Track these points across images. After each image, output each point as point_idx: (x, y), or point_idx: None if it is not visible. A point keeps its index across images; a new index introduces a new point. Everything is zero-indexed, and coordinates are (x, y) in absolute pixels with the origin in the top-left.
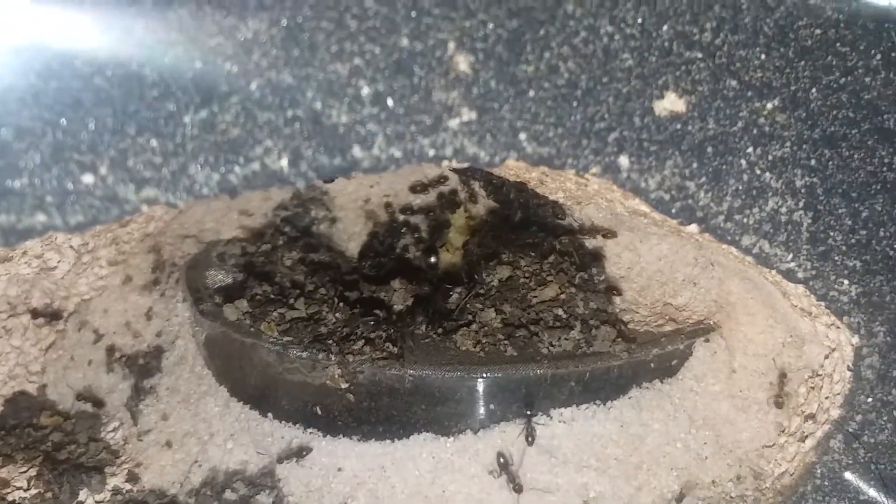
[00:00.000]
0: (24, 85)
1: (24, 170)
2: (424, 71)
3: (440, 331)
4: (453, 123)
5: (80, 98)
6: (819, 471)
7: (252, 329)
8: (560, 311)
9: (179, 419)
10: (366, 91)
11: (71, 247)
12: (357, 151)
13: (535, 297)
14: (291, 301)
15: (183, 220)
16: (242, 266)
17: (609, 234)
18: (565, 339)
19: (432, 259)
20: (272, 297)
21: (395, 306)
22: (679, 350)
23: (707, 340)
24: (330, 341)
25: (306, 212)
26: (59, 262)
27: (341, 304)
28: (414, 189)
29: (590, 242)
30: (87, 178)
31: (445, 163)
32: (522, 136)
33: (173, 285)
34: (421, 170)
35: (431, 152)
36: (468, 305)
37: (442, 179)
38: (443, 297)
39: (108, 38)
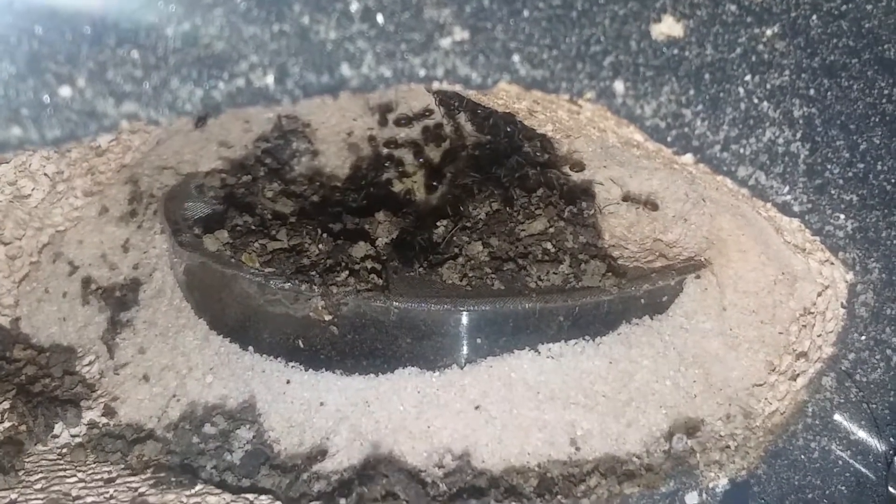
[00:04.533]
0: None
1: None
2: None
3: (425, 264)
4: (445, 42)
5: (57, 5)
6: (810, 409)
7: (232, 260)
8: (549, 245)
9: (157, 353)
10: (355, 6)
11: (45, 174)
12: (345, 69)
13: (524, 230)
14: (273, 232)
15: (161, 152)
16: (222, 198)
17: (577, 166)
18: (554, 273)
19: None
20: (253, 228)
21: (379, 239)
22: (669, 286)
23: (698, 277)
24: (313, 273)
25: (287, 144)
26: (33, 189)
27: (324, 236)
28: (398, 122)
29: (578, 176)
30: (65, 91)
31: (436, 84)
32: (516, 57)
33: (151, 217)
34: (406, 102)
35: (422, 72)
36: (454, 238)
37: (427, 113)
38: (428, 230)
39: None
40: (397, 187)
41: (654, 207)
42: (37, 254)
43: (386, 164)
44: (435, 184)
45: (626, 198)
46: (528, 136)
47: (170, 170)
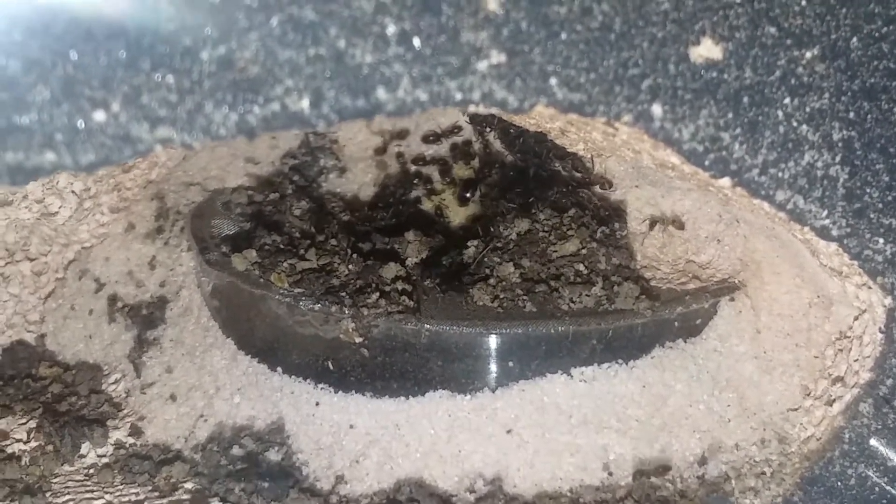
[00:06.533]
0: (33, 14)
1: (33, 105)
2: (453, 10)
3: (456, 285)
4: (482, 66)
5: (92, 30)
6: (847, 435)
7: (261, 280)
8: (581, 267)
9: (184, 372)
10: (392, 29)
11: (73, 192)
12: (381, 93)
13: (556, 251)
14: (302, 252)
15: (187, 167)
16: (249, 215)
17: (608, 185)
18: (586, 295)
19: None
20: (281, 246)
21: (409, 259)
22: (703, 309)
23: (732, 299)
24: (343, 293)
25: (315, 160)
26: (60, 207)
27: (354, 256)
28: (427, 139)
29: (610, 196)
30: (99, 116)
31: (472, 107)
32: (553, 80)
33: (177, 234)
34: (434, 119)
35: (458, 96)
36: (485, 259)
37: (456, 129)
38: (458, 251)
39: None
40: (426, 205)
41: (681, 226)
42: (62, 270)
43: (414, 182)
44: (468, 195)
45: (653, 222)
46: (560, 155)
47: (196, 186)
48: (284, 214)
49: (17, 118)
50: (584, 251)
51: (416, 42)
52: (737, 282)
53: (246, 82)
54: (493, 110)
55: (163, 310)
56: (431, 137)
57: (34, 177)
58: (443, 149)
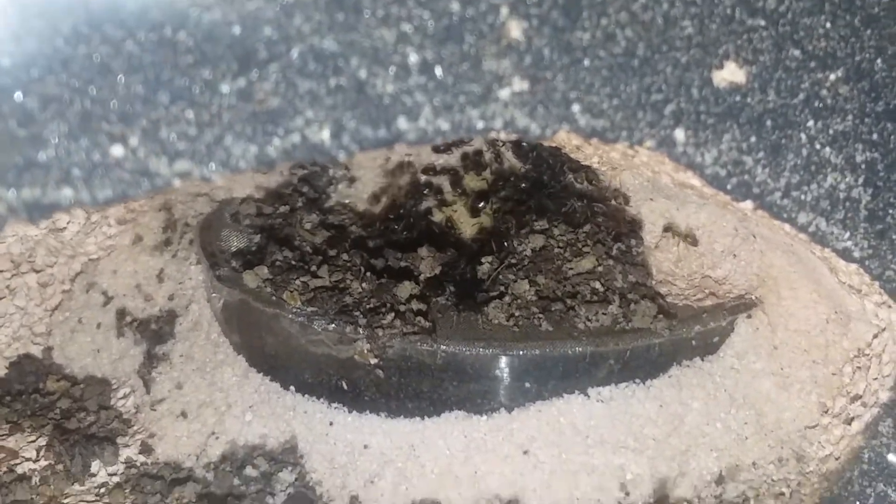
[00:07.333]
0: (51, 50)
1: (50, 141)
2: (475, 38)
3: (470, 302)
4: (504, 94)
5: (110, 64)
6: (867, 455)
7: (273, 298)
8: (597, 284)
9: (194, 388)
10: (413, 59)
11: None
12: (402, 123)
13: (571, 268)
14: (314, 268)
15: None
16: (259, 227)
17: (622, 198)
18: (603, 313)
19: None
20: (293, 263)
21: (422, 275)
22: (721, 326)
23: (749, 316)
24: (357, 313)
25: (324, 170)
26: (68, 222)
27: (367, 274)
28: (437, 149)
29: (626, 210)
30: (117, 150)
31: (494, 134)
32: (576, 107)
33: (186, 246)
34: None
35: (480, 124)
36: (500, 276)
37: (466, 138)
38: (471, 265)
39: (140, 1)
40: (437, 216)
41: (694, 242)
42: (69, 282)
43: (425, 192)
44: (480, 205)
45: (667, 228)
46: (574, 168)
47: (204, 196)
48: (295, 228)
49: (33, 154)
50: (600, 268)
51: (438, 71)
52: (754, 298)
53: (266, 114)
54: (514, 137)
55: (172, 324)
56: (441, 147)
57: (51, 213)
58: (453, 158)
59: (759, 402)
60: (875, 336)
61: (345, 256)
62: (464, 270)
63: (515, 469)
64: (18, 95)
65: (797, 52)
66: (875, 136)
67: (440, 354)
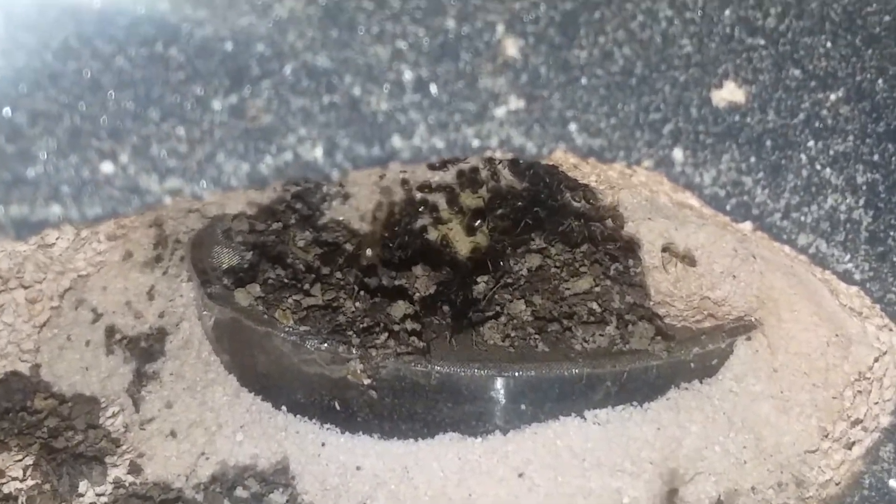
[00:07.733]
0: (40, 64)
1: (39, 157)
2: (471, 55)
3: (465, 322)
4: (500, 112)
5: (101, 80)
6: (868, 480)
7: (266, 317)
8: (594, 305)
9: (185, 408)
10: (408, 76)
11: None
12: (396, 141)
13: (568, 289)
14: (307, 286)
15: None
16: (251, 244)
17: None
18: (600, 335)
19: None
20: (286, 281)
21: (417, 294)
22: (720, 349)
23: (749, 339)
24: (350, 332)
25: (318, 187)
26: (57, 238)
27: (361, 293)
28: (432, 166)
29: (623, 230)
30: (107, 167)
31: (490, 153)
32: (572, 126)
33: (177, 263)
34: None
35: (476, 143)
36: (496, 296)
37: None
38: (466, 283)
39: (130, 16)
40: (432, 234)
41: (692, 263)
42: (58, 298)
43: (420, 210)
44: (476, 224)
45: (665, 247)
46: (571, 186)
47: (195, 212)
48: (287, 245)
49: (22, 170)
50: (597, 289)
51: (433, 89)
52: (753, 320)
53: (258, 131)
54: (510, 156)
55: (162, 342)
56: (437, 164)
57: (39, 230)
58: (449, 175)
59: (759, 425)
60: (876, 360)
61: (338, 275)
62: (459, 290)
63: (510, 492)
64: (7, 111)
65: (797, 72)
66: (876, 157)
67: (434, 375)
